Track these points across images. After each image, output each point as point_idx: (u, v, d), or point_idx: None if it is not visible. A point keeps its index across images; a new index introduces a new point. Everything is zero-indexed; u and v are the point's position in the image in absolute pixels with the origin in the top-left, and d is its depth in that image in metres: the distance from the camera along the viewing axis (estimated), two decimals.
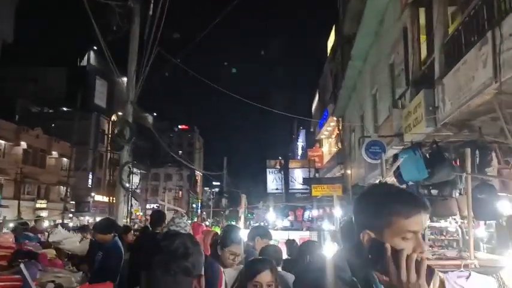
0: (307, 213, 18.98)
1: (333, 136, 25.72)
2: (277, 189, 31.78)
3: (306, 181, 23.61)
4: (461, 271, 3.72)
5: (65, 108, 45.48)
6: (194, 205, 68.16)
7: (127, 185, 9.18)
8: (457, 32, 5.77)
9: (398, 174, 6.09)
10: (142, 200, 54.35)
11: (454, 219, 6.96)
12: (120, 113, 9.68)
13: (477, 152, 5.02)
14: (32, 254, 4.93)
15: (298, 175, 28.70)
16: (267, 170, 32.67)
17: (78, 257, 6.02)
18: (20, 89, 44.88)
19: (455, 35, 5.86)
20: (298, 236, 6.18)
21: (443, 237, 10.42)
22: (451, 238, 9.99)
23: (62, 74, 50.94)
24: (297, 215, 19.94)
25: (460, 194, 5.31)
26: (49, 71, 50.02)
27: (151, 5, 8.99)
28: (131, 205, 41.29)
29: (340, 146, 21.20)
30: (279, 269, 2.92)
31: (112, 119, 41.83)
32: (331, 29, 23.40)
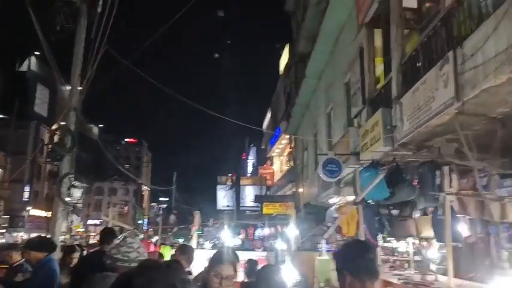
0: (258, 232, 18.65)
1: (285, 154, 25.79)
2: (228, 206, 31.25)
3: (258, 198, 23.33)
4: None
5: (0, 116, 42.40)
6: (140, 221, 65.58)
7: (67, 198, 8.40)
8: (415, 52, 5.79)
9: (358, 191, 5.97)
10: (84, 215, 51.49)
11: (410, 240, 6.96)
12: (61, 122, 8.86)
13: (437, 172, 4.98)
14: None
15: (249, 192, 28.40)
16: (218, 186, 32.13)
17: None
18: None
19: (413, 55, 5.89)
20: (255, 257, 5.82)
21: (394, 258, 10.51)
22: (403, 259, 10.09)
23: None
24: (248, 233, 19.56)
25: (420, 214, 5.26)
26: None
27: (100, 3, 8.43)
28: (71, 221, 39.06)
29: (292, 164, 21.22)
30: None
31: (53, 128, 39.44)
32: (284, 47, 23.68)
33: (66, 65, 8.94)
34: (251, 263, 4.81)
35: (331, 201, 11.29)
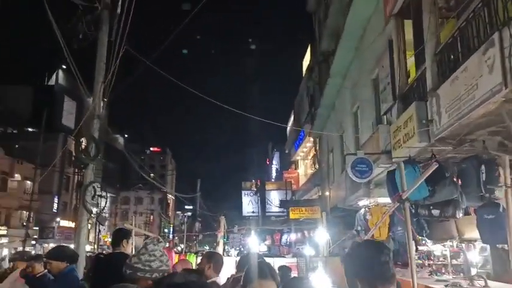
0: (284, 237, 18.25)
1: (309, 157, 25.36)
2: (253, 212, 30.93)
3: (283, 203, 22.94)
4: None
5: (30, 129, 43.54)
6: (166, 230, 66.07)
7: (93, 208, 8.32)
8: (451, 39, 5.39)
9: (393, 192, 5.57)
10: (111, 224, 52.19)
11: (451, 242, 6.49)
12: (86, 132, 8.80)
13: (482, 167, 4.55)
14: None
15: (274, 197, 28.02)
16: (242, 192, 31.85)
17: None
18: None
19: (449, 43, 5.49)
20: (284, 263, 5.50)
21: (430, 262, 9.95)
22: (439, 263, 9.53)
23: (28, 93, 49.09)
24: (275, 239, 19.18)
25: (464, 214, 4.84)
26: (15, 89, 48.10)
27: (119, 5, 8.36)
28: (99, 230, 39.57)
29: (317, 167, 20.78)
30: None
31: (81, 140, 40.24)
32: (307, 48, 23.35)
33: (90, 76, 8.92)
34: (284, 270, 4.47)
35: (360, 203, 10.85)
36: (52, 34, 8.25)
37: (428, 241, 7.34)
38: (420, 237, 5.85)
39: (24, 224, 32.02)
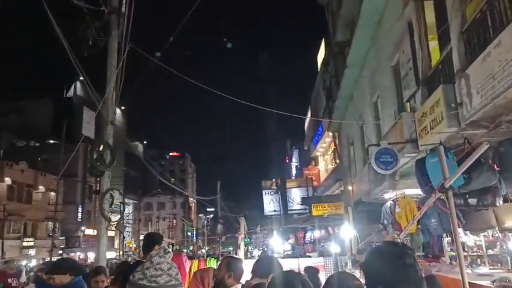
0: (308, 235, 17.88)
1: (329, 152, 24.90)
2: (274, 211, 30.61)
3: (305, 200, 22.55)
4: None
5: (51, 141, 44.32)
6: (189, 233, 66.40)
7: (114, 216, 8.19)
8: (480, 13, 4.99)
9: (424, 182, 5.20)
10: (135, 231, 52.67)
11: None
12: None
13: None
14: None
15: (295, 195, 27.64)
16: (263, 191, 31.55)
17: None
18: (4, 122, 43.75)
19: (477, 19, 5.08)
20: (310, 264, 5.19)
21: (465, 253, 9.46)
22: (474, 254, 9.03)
23: (48, 106, 50.05)
24: (298, 237, 18.83)
25: (506, 201, 4.45)
26: (35, 103, 49.11)
27: (125, 9, 8.20)
28: (123, 237, 39.91)
29: (337, 162, 20.34)
30: None
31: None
32: (321, 42, 22.93)
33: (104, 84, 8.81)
34: (311, 271, 4.14)
35: (386, 196, 10.44)
36: (62, 45, 8.15)
37: (465, 232, 6.94)
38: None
39: (50, 234, 32.53)
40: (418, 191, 9.02)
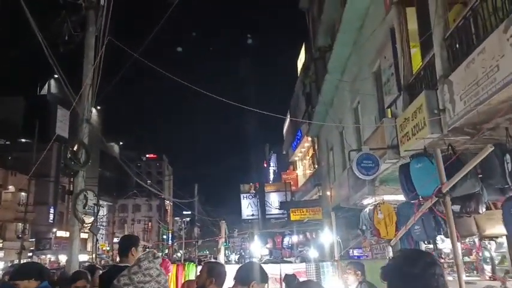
0: (286, 240, 17.81)
1: (308, 157, 24.97)
2: (252, 215, 30.45)
3: (284, 205, 22.51)
4: None
5: (23, 140, 42.92)
6: (165, 236, 65.41)
7: (88, 218, 7.88)
8: (463, 20, 5.01)
9: (408, 187, 5.17)
10: (109, 233, 51.54)
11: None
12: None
13: (507, 156, 4.15)
14: None
15: (273, 199, 27.58)
16: (241, 195, 31.36)
17: None
18: None
19: (460, 26, 5.10)
20: (292, 270, 5.06)
21: (441, 260, 9.53)
22: (450, 261, 9.12)
23: (20, 103, 48.54)
24: (276, 242, 18.73)
25: (487, 208, 4.44)
26: (6, 100, 47.50)
27: (104, 4, 7.96)
28: (96, 239, 38.96)
29: (316, 167, 20.39)
30: None
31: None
32: (301, 47, 23.02)
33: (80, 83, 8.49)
34: (289, 279, 4.00)
35: (365, 202, 10.46)
36: (37, 40, 7.82)
37: (442, 239, 6.97)
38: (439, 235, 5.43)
39: (20, 236, 31.38)
40: (396, 197, 9.06)
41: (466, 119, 4.79)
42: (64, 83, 8.67)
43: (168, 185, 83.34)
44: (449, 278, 5.97)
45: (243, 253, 25.98)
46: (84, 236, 34.94)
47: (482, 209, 4.43)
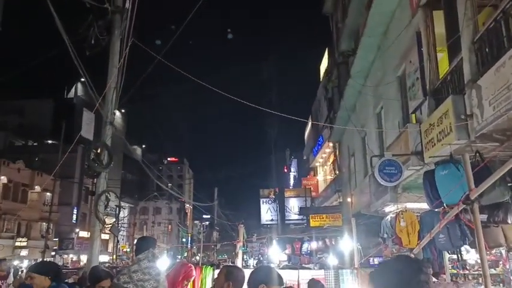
0: (305, 246, 17.63)
1: (329, 163, 24.73)
2: (272, 220, 30.32)
3: (303, 211, 22.31)
4: None
5: (49, 141, 44.08)
6: (184, 239, 65.88)
7: (109, 219, 7.99)
8: (494, 23, 4.85)
9: (432, 195, 5.02)
10: (130, 235, 52.20)
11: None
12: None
13: None
14: None
15: (293, 205, 27.40)
16: (261, 200, 31.28)
17: None
18: (3, 121, 43.57)
19: (490, 28, 4.94)
20: (310, 276, 4.98)
21: (465, 272, 9.22)
22: (475, 272, 8.81)
23: (49, 106, 49.93)
24: (295, 248, 18.56)
25: None
26: (35, 103, 48.98)
27: (129, 7, 8.08)
28: (117, 241, 39.52)
29: (337, 173, 20.16)
30: None
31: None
32: (324, 52, 22.88)
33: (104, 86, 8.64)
34: (312, 284, 3.92)
35: (386, 209, 10.24)
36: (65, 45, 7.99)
37: (467, 250, 6.75)
38: (464, 245, 5.24)
39: (44, 235, 32.14)
40: (419, 205, 8.84)
41: (495, 124, 4.62)
42: (89, 85, 8.86)
43: (188, 188, 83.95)
44: None
45: (261, 258, 25.85)
46: (105, 237, 35.56)
47: (511, 219, 4.24)
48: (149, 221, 69.94)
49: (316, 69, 25.83)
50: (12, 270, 7.83)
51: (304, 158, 33.92)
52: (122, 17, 8.56)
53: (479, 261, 8.10)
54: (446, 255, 7.89)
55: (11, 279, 7.64)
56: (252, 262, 30.04)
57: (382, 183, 7.53)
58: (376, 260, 12.87)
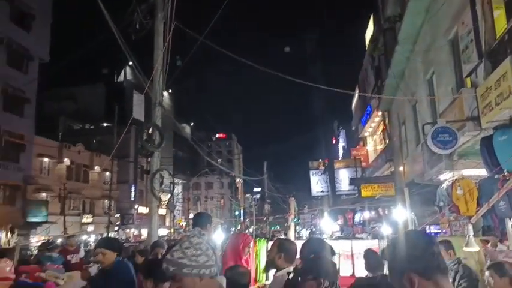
0: (357, 216, 17.54)
1: (378, 132, 24.13)
2: (322, 191, 30.30)
3: (354, 181, 22.08)
4: None
5: (104, 124, 46.33)
6: (237, 212, 67.64)
7: (164, 195, 8.41)
8: None
9: (490, 162, 4.82)
10: (185, 209, 54.41)
11: None
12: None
13: None
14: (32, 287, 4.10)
15: (343, 176, 27.16)
16: (310, 171, 31.26)
17: None
18: (61, 107, 46.23)
19: None
20: (364, 247, 4.99)
21: None
22: None
23: (101, 91, 52.20)
24: (347, 219, 18.52)
25: None
26: (88, 89, 51.37)
27: None
28: (174, 215, 41.33)
29: (387, 142, 19.66)
30: None
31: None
32: (369, 19, 21.97)
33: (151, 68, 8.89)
34: (371, 254, 3.94)
35: (441, 177, 9.91)
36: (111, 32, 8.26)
37: None
38: None
39: (106, 211, 34.33)
40: (477, 172, 8.47)
41: None
42: (137, 69, 9.19)
43: (238, 163, 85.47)
44: None
45: (313, 229, 26.07)
46: (162, 212, 37.29)
47: None
48: (202, 195, 72.31)
49: (361, 37, 24.92)
50: (82, 245, 8.50)
51: (353, 128, 33.28)
52: (164, 0, 8.72)
53: None
54: (509, 223, 7.59)
55: (82, 253, 8.30)
56: (304, 233, 30.39)
57: (436, 151, 7.28)
58: (433, 229, 12.60)
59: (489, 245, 7.68)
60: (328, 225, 14.65)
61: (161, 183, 7.96)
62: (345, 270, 5.51)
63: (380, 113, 20.55)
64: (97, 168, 38.31)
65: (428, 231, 12.47)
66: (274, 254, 3.26)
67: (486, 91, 5.93)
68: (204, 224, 4.09)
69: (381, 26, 17.00)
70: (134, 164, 44.87)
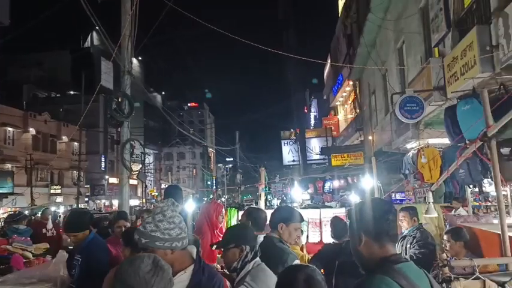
0: (327, 185, 17.95)
1: (349, 102, 24.42)
2: (293, 161, 30.71)
3: (325, 151, 22.47)
4: None
5: (72, 92, 44.77)
6: (209, 182, 67.95)
7: (135, 165, 8.29)
8: None
9: (453, 130, 4.97)
10: (156, 180, 54.15)
11: None
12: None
13: None
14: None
15: (314, 145, 27.55)
16: (282, 141, 31.53)
17: None
18: (25, 74, 44.19)
19: None
20: (332, 214, 5.13)
21: (488, 203, 9.27)
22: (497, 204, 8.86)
23: (67, 58, 50.06)
24: (317, 187, 18.95)
25: None
26: (53, 54, 49.13)
27: None
28: (145, 186, 41.10)
29: (358, 111, 19.96)
30: None
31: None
32: None
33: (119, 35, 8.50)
34: (337, 222, 4.06)
35: (408, 146, 10.22)
36: None
37: (490, 182, 6.75)
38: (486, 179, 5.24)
39: (76, 182, 33.69)
40: (441, 141, 8.78)
41: None
42: (103, 34, 8.80)
43: (210, 133, 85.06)
44: (495, 221, 5.83)
45: (284, 198, 26.56)
46: (133, 182, 36.94)
47: None
48: (174, 166, 72.02)
49: (334, 4, 24.73)
50: (50, 217, 8.36)
51: (324, 97, 33.52)
52: None
53: (503, 193, 8.17)
54: (468, 189, 7.95)
55: (50, 224, 8.15)
56: (275, 202, 30.96)
57: (403, 120, 7.46)
58: (398, 196, 13.09)
59: (454, 210, 8.07)
60: (298, 194, 14.94)
61: (132, 154, 7.82)
62: (313, 237, 5.67)
63: (351, 82, 20.73)
64: (65, 138, 37.24)
65: (393, 199, 12.97)
66: (244, 222, 3.33)
67: (452, 61, 6.05)
68: (178, 196, 4.08)
69: None
70: (104, 134, 43.91)
